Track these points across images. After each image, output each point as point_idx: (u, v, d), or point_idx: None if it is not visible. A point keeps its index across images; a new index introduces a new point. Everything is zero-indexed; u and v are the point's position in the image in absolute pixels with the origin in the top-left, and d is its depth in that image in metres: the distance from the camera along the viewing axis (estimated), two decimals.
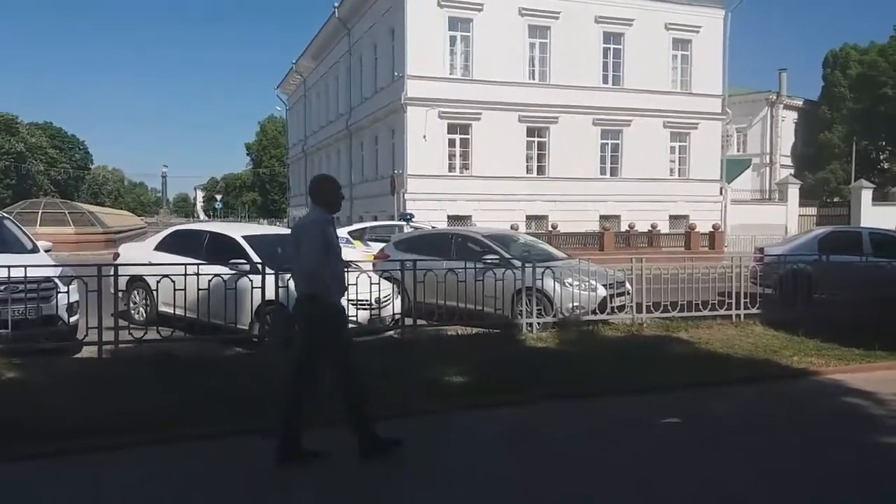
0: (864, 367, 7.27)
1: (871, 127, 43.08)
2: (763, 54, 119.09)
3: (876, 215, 29.88)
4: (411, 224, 18.21)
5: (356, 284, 7.99)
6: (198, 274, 7.62)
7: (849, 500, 4.10)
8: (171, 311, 8.37)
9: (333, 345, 4.52)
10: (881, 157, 45.78)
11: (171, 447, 4.79)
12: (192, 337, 8.11)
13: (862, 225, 25.69)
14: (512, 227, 21.31)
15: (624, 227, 26.81)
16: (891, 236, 14.02)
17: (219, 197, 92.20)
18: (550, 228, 25.71)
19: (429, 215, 24.30)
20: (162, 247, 10.22)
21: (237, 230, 10.12)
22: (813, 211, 33.05)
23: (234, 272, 8.23)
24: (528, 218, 27.39)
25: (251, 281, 7.89)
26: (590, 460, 4.69)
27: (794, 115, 47.99)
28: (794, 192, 32.82)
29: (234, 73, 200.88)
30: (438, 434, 5.16)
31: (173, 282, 7.64)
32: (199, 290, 7.61)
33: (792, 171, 43.03)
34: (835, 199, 37.58)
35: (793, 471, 4.50)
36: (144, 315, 9.53)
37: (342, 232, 16.52)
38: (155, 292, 8.10)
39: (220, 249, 9.18)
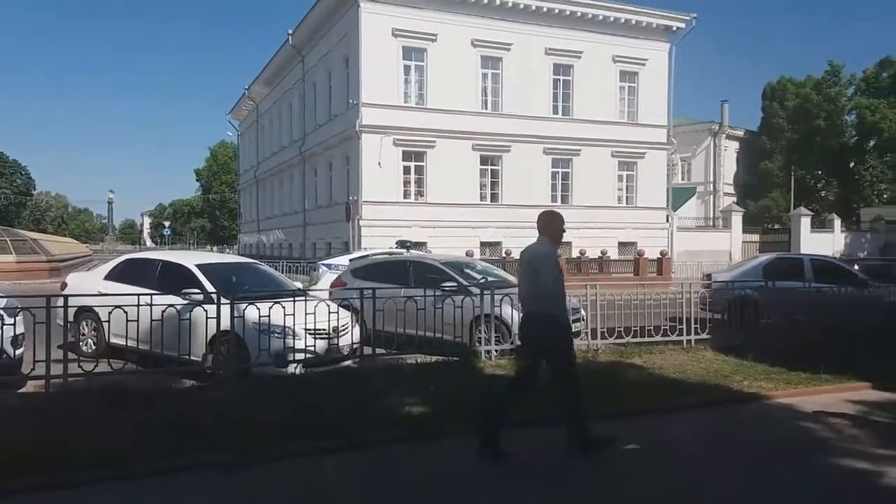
0: (810, 390, 7.52)
1: (808, 156, 45.06)
2: (706, 86, 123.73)
3: (814, 241, 31.21)
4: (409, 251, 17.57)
5: (314, 313, 7.92)
6: (150, 304, 7.45)
7: None
8: (122, 342, 8.14)
9: (565, 355, 5.27)
10: (818, 185, 47.79)
11: (122, 484, 4.65)
12: (144, 370, 7.87)
13: (802, 251, 26.78)
14: (467, 254, 21.50)
15: (575, 254, 27.27)
16: (831, 263, 14.63)
17: (167, 223, 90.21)
18: (504, 255, 25.94)
19: (383, 242, 24.29)
20: (112, 276, 9.94)
21: (190, 259, 9.92)
22: (755, 237, 34.25)
23: (187, 302, 8.07)
24: (483, 244, 27.67)
25: (205, 311, 7.74)
26: (555, 488, 4.73)
27: (735, 144, 49.79)
28: (737, 220, 33.97)
29: (185, 98, 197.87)
30: (399, 466, 5.13)
31: (125, 312, 7.44)
32: (151, 320, 7.43)
33: (735, 199, 44.55)
34: (776, 226, 38.99)
35: (750, 492, 4.63)
36: (94, 347, 9.23)
37: (343, 260, 16.27)
38: (106, 323, 7.88)
39: (173, 279, 8.97)
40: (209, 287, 8.46)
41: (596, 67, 29.92)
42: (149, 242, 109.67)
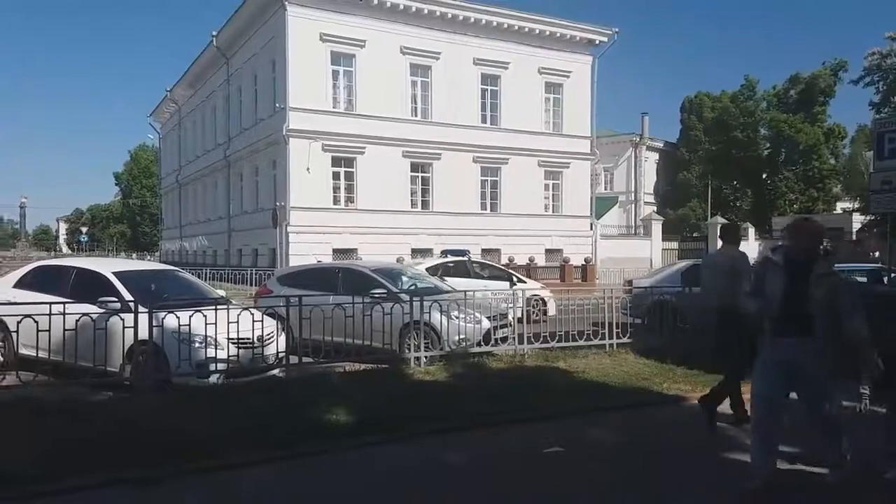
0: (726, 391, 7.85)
1: (725, 168, 47.22)
2: (628, 99, 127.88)
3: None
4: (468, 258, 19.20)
5: (236, 322, 7.74)
6: (63, 313, 7.10)
7: None
8: (33, 353, 7.72)
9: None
10: (735, 195, 50.12)
11: (32, 503, 4.42)
12: (57, 381, 7.49)
13: None
14: (398, 261, 21.43)
15: (504, 261, 27.63)
16: None
17: (84, 229, 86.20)
18: None
19: (312, 248, 24.01)
20: (22, 284, 9.45)
21: (107, 266, 9.54)
22: (675, 245, 35.59)
23: (103, 311, 7.74)
24: (414, 251, 27.62)
25: (122, 320, 7.43)
26: (481, 492, 4.78)
27: (656, 155, 51.66)
28: (657, 228, 35.24)
29: (103, 100, 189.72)
30: (325, 475, 5.08)
31: (35, 322, 7.07)
32: (64, 330, 7.08)
33: (655, 208, 46.19)
34: (694, 234, 40.64)
35: (668, 493, 4.81)
36: (1, 359, 8.72)
37: (420, 269, 15.81)
38: (14, 334, 7.46)
39: (89, 286, 8.59)
40: (126, 295, 8.14)
41: (522, 78, 30.51)
42: (65, 249, 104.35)
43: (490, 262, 20.21)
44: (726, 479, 5.06)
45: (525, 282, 17.10)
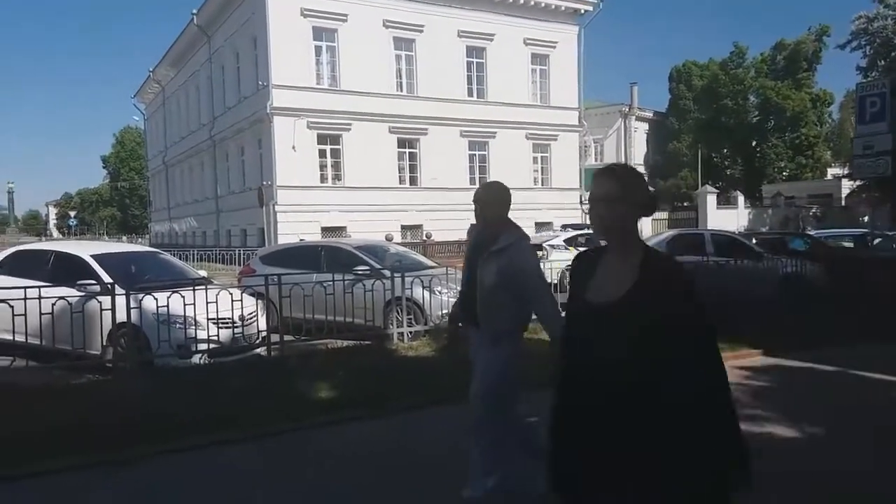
0: None
1: (715, 136, 47.11)
2: (617, 69, 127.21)
3: (720, 217, 32.76)
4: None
5: (216, 302, 7.70)
6: (39, 297, 7.06)
7: None
8: (10, 337, 7.67)
9: None
10: (725, 163, 50.09)
11: (10, 485, 4.42)
12: (36, 365, 7.46)
13: (708, 227, 28.04)
14: (387, 238, 21.40)
15: None
16: (729, 237, 15.38)
17: (73, 213, 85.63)
18: (425, 238, 26.06)
19: (300, 227, 23.91)
20: (0, 269, 9.37)
21: (85, 248, 9.49)
22: (664, 215, 35.60)
23: (82, 294, 7.71)
24: (403, 228, 27.64)
25: (100, 303, 7.40)
26: (456, 467, 4.79)
27: (645, 126, 51.46)
28: None
29: (87, 82, 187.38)
30: (298, 452, 5.09)
31: (11, 307, 7.02)
32: (41, 314, 7.04)
33: (646, 178, 45.99)
34: (685, 204, 40.67)
35: None
36: None
37: (558, 241, 17.58)
38: None
39: (67, 270, 8.56)
40: (105, 277, 8.10)
41: (508, 50, 30.24)
42: (55, 234, 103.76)
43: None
44: None
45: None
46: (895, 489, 4.29)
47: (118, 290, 7.38)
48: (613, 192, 2.10)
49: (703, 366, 1.98)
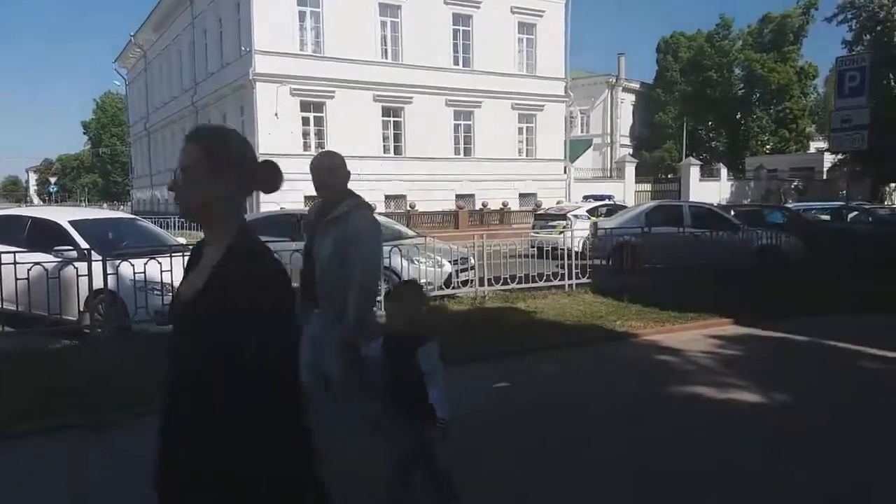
0: (676, 327, 8.07)
1: (700, 108, 47.16)
2: (604, 40, 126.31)
3: (703, 190, 32.96)
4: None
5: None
6: (14, 263, 7.05)
7: (651, 442, 4.61)
8: None
9: None
10: (709, 136, 50.21)
11: None
12: (13, 330, 7.48)
13: (690, 199, 28.25)
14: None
15: (478, 206, 27.66)
16: (708, 209, 15.52)
17: (53, 179, 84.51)
18: (409, 208, 26.03)
19: (284, 196, 23.77)
20: None
21: (63, 215, 9.43)
22: (648, 187, 35.80)
23: (59, 260, 7.70)
24: (387, 198, 27.55)
25: (76, 269, 7.40)
26: None
27: (632, 97, 51.35)
28: (630, 170, 35.32)
29: (67, 46, 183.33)
30: None
31: None
32: (16, 279, 7.05)
33: (631, 150, 46.17)
34: (669, 176, 40.83)
35: (600, 417, 5.01)
36: None
37: (580, 211, 18.25)
38: None
39: (44, 236, 8.50)
40: (83, 244, 8.08)
41: (495, 18, 29.95)
42: (36, 200, 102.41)
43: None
44: (659, 403, 5.26)
45: None
46: (853, 448, 4.47)
47: (95, 256, 7.39)
48: (195, 162, 1.68)
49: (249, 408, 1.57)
